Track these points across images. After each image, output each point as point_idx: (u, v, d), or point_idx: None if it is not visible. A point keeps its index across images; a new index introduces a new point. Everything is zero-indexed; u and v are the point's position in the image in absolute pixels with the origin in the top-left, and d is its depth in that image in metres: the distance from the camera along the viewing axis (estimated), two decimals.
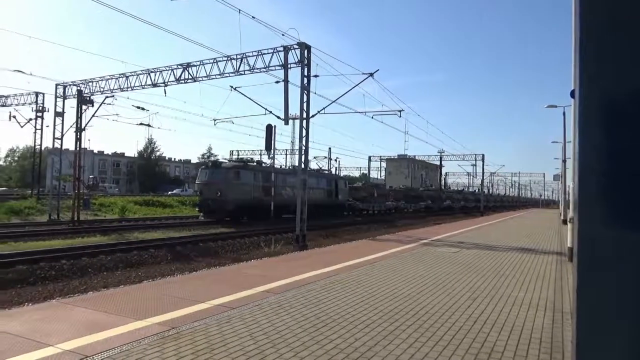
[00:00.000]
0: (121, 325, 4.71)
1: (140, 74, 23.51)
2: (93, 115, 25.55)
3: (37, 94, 31.61)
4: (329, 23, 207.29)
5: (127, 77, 23.99)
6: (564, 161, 29.53)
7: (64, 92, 26.84)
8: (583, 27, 1.20)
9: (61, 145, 27.80)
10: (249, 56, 20.24)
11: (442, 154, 58.03)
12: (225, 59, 20.95)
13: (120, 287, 8.33)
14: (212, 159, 47.29)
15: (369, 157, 61.92)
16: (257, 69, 20.13)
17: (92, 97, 25.49)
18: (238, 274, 8.22)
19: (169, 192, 64.41)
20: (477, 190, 75.67)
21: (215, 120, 27.65)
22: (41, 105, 32.07)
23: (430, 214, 49.57)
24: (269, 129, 22.92)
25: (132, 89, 24.08)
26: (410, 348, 4.31)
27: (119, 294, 6.47)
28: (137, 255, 14.67)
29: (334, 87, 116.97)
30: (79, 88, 25.72)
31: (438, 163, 63.71)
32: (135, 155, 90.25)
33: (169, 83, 22.69)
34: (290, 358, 3.97)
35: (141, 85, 23.63)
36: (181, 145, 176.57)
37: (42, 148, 35.61)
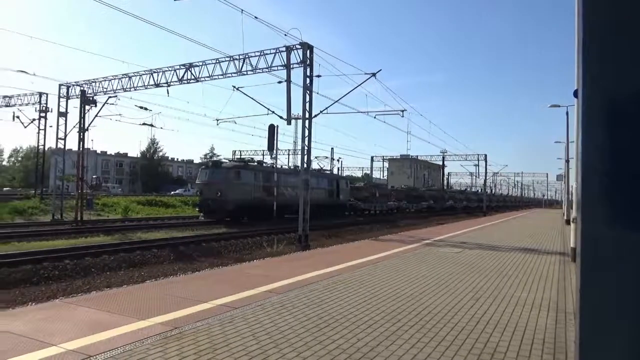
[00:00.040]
0: (124, 325, 4.72)
1: (143, 74, 23.58)
2: (96, 116, 25.66)
3: (40, 94, 31.76)
4: (331, 23, 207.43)
5: (129, 77, 24.06)
6: (567, 161, 29.44)
7: (67, 92, 26.95)
8: (586, 27, 1.20)
9: (64, 145, 27.89)
10: (251, 56, 20.27)
11: (445, 154, 58.05)
12: (228, 59, 20.99)
13: (123, 287, 8.36)
14: (214, 159, 47.33)
15: (372, 157, 62.03)
16: (259, 69, 20.15)
17: (95, 98, 25.58)
18: (241, 274, 8.23)
19: (172, 192, 64.49)
20: (479, 191, 75.54)
21: (217, 120, 27.77)
22: (44, 105, 32.23)
23: (432, 214, 49.50)
24: (272, 129, 22.90)
25: (134, 89, 24.18)
26: (413, 348, 4.31)
27: (122, 294, 6.50)
28: (140, 255, 14.70)
29: (336, 87, 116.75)
30: (82, 88, 25.82)
31: (441, 163, 63.66)
32: (138, 156, 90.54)
33: (171, 83, 22.76)
34: (292, 358, 3.98)
35: (144, 86, 23.71)
36: (184, 145, 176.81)
37: (46, 148, 35.78)
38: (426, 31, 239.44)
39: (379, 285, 7.18)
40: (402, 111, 26.46)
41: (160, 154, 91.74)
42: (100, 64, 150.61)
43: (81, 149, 25.75)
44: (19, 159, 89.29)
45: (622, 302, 1.16)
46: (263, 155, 46.54)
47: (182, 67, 22.37)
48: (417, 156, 68.27)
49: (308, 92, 18.01)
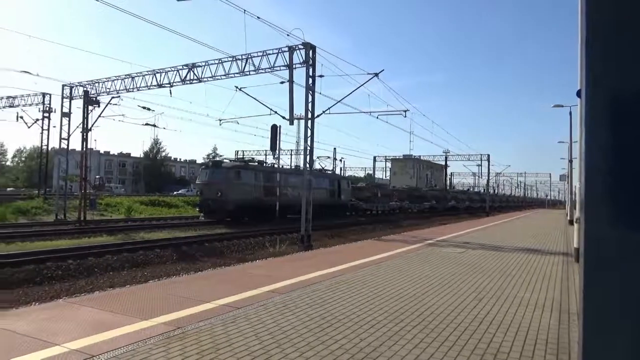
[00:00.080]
0: (127, 325, 4.73)
1: (146, 74, 23.63)
2: (99, 116, 25.73)
3: (44, 94, 31.87)
4: (332, 23, 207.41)
5: (132, 77, 24.12)
6: (571, 161, 29.38)
7: (71, 92, 27.04)
8: (589, 26, 1.19)
9: (68, 145, 27.99)
10: (254, 56, 20.28)
11: (448, 154, 57.95)
12: (231, 59, 21.01)
13: (126, 287, 8.38)
14: (216, 158, 47.36)
15: (374, 157, 61.92)
16: (262, 69, 20.16)
17: (98, 98, 25.68)
18: (243, 274, 8.23)
19: (175, 192, 64.67)
20: (482, 191, 75.39)
21: (220, 120, 27.76)
22: (48, 106, 32.32)
23: (435, 214, 49.41)
24: (274, 129, 22.95)
25: (137, 90, 24.23)
26: (416, 349, 4.30)
27: (125, 294, 6.51)
28: (143, 255, 14.73)
29: (339, 87, 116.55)
30: (85, 89, 25.91)
31: (443, 163, 63.57)
32: (141, 156, 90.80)
33: (174, 83, 22.80)
34: (295, 358, 3.98)
35: (147, 86, 23.75)
36: (187, 145, 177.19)
37: (49, 148, 35.91)
38: (426, 31, 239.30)
39: (382, 286, 7.17)
40: (405, 111, 26.47)
41: (163, 154, 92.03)
42: (100, 64, 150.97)
43: (84, 149, 25.84)
44: (23, 159, 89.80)
45: (625, 302, 1.15)
46: (266, 155, 46.65)
47: (184, 67, 22.41)
48: (420, 156, 68.09)
49: (310, 92, 18.02)
